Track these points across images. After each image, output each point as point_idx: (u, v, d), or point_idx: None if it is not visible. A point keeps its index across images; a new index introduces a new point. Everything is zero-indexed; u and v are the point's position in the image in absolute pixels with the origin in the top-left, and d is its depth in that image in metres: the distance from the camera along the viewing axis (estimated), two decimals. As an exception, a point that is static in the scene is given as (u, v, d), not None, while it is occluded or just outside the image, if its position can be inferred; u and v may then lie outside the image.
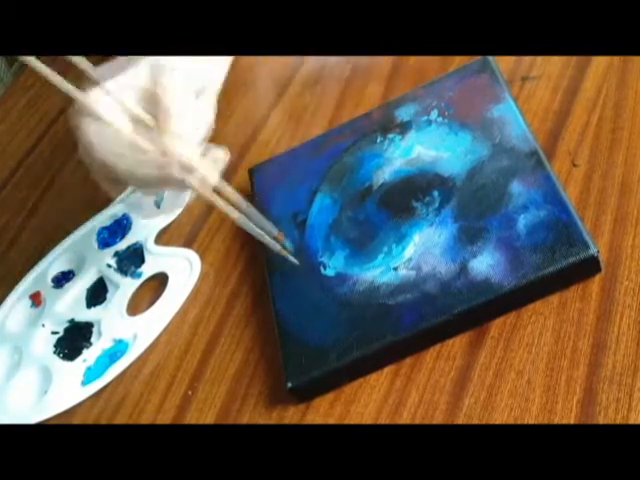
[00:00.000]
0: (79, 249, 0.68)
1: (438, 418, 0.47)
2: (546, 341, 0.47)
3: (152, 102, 0.44)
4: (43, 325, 0.63)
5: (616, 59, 0.57)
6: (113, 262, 0.65)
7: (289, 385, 0.49)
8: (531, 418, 0.45)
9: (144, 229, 0.66)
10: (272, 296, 0.54)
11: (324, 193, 0.58)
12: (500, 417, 0.45)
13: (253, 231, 0.50)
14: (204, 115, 0.46)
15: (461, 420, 0.46)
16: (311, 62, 0.72)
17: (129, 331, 0.60)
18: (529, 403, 0.45)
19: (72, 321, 0.63)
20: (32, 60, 0.42)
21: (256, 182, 0.61)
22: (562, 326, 0.47)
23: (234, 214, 0.48)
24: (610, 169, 0.52)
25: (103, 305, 0.63)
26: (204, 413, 0.54)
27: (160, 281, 0.63)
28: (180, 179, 0.43)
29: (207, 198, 0.46)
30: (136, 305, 0.62)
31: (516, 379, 0.46)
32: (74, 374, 0.59)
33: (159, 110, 0.44)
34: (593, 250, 0.46)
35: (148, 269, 0.63)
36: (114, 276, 0.64)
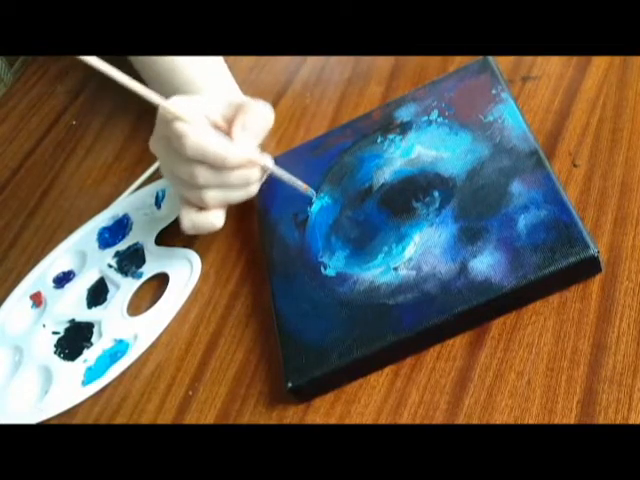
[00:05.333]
0: (80, 249, 0.68)
1: (438, 418, 0.47)
2: (546, 341, 0.47)
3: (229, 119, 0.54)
4: (44, 325, 0.63)
5: (616, 59, 0.57)
6: (114, 262, 0.65)
7: (289, 385, 0.50)
8: (531, 418, 0.45)
9: (145, 229, 0.66)
10: (272, 296, 0.54)
11: (324, 193, 0.58)
12: (500, 417, 0.45)
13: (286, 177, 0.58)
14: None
15: (461, 420, 0.46)
16: (311, 62, 0.72)
17: (130, 331, 0.60)
18: (529, 403, 0.45)
19: (73, 321, 0.63)
20: (113, 72, 0.48)
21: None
22: (562, 326, 0.47)
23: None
24: (610, 169, 0.52)
25: (104, 305, 0.63)
26: (204, 413, 0.54)
27: (161, 281, 0.63)
28: (261, 162, 0.54)
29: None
30: (137, 305, 0.62)
31: (516, 379, 0.46)
32: (75, 374, 0.59)
33: (237, 119, 0.53)
34: (593, 250, 0.46)
35: (149, 269, 0.63)
36: (115, 276, 0.64)
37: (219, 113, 0.54)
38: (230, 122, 0.54)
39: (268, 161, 0.56)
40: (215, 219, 0.56)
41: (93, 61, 0.46)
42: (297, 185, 0.58)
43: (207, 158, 0.52)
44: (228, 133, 0.53)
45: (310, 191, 0.58)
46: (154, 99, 0.50)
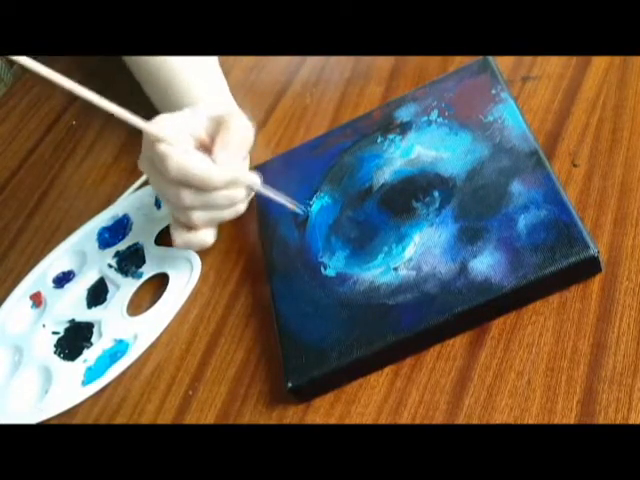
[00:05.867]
0: (80, 249, 0.68)
1: (438, 418, 0.47)
2: (546, 341, 0.47)
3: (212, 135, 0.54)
4: (44, 325, 0.63)
5: (616, 59, 0.57)
6: (114, 262, 0.65)
7: (289, 385, 0.50)
8: (531, 418, 0.45)
9: (145, 229, 0.66)
10: (272, 296, 0.54)
11: (324, 193, 0.58)
12: (500, 417, 0.45)
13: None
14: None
15: (461, 420, 0.46)
16: (311, 62, 0.72)
17: (129, 331, 0.60)
18: (529, 403, 0.45)
19: (73, 321, 0.63)
20: (95, 98, 0.49)
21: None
22: (562, 326, 0.47)
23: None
24: (610, 169, 0.52)
25: (104, 305, 0.63)
26: (204, 413, 0.54)
27: (161, 281, 0.63)
28: (246, 181, 0.54)
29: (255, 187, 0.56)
30: (137, 305, 0.62)
31: (516, 379, 0.46)
32: (74, 374, 0.59)
33: (220, 138, 0.53)
34: (593, 250, 0.46)
35: (149, 269, 0.63)
36: (115, 276, 0.64)
37: (203, 129, 0.54)
38: (214, 137, 0.53)
39: (254, 180, 0.55)
40: (205, 237, 0.56)
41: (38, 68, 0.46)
42: (285, 202, 0.57)
43: (190, 180, 0.52)
44: (212, 149, 0.53)
45: (299, 208, 0.57)
46: (137, 123, 0.50)
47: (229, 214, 0.56)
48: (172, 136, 0.51)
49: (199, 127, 0.54)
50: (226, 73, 0.72)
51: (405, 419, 0.48)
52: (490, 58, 0.59)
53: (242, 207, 0.56)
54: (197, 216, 0.54)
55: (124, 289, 0.63)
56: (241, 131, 0.54)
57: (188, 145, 0.52)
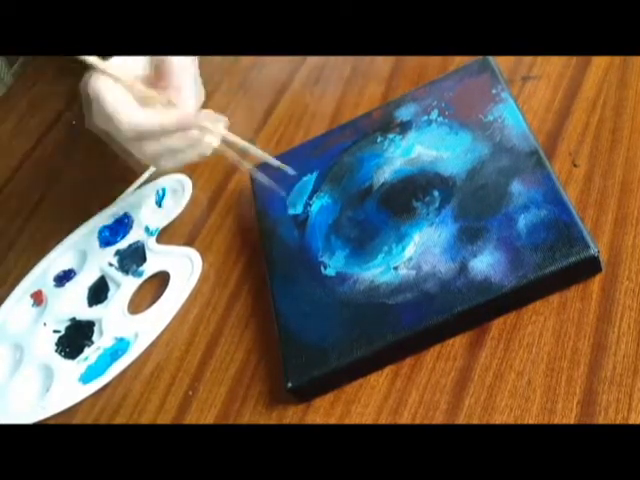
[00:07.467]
0: (81, 248, 0.68)
1: (438, 418, 0.47)
2: (546, 341, 0.47)
3: (157, 75, 0.54)
4: (45, 324, 0.63)
5: (616, 59, 0.57)
6: (114, 261, 0.65)
7: (289, 385, 0.50)
8: (531, 418, 0.45)
9: (145, 228, 0.66)
10: (272, 296, 0.54)
11: (324, 193, 0.58)
12: (500, 417, 0.45)
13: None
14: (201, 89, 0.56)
15: (461, 420, 0.46)
16: (311, 62, 0.72)
17: (130, 329, 0.60)
18: (529, 403, 0.45)
19: (73, 320, 0.63)
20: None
21: (256, 182, 0.61)
22: (562, 326, 0.47)
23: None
24: (610, 169, 0.52)
25: (104, 303, 0.63)
26: (204, 413, 0.54)
27: (161, 279, 0.63)
28: (200, 125, 0.54)
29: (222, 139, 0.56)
30: (137, 303, 0.62)
31: (516, 379, 0.46)
32: (75, 372, 0.59)
33: (171, 83, 0.53)
34: (593, 250, 0.46)
35: (149, 267, 0.64)
36: (115, 274, 0.64)
37: (140, 78, 0.55)
38: (152, 81, 0.54)
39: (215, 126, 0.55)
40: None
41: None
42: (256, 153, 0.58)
43: (144, 134, 0.53)
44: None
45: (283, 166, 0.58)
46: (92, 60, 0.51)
47: (196, 155, 0.56)
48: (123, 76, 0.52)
49: (139, 68, 0.55)
50: (226, 73, 0.73)
51: (405, 419, 0.48)
52: (490, 58, 0.58)
53: (207, 149, 0.56)
54: (164, 162, 0.55)
55: (125, 287, 0.63)
56: (188, 68, 0.55)
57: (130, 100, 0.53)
